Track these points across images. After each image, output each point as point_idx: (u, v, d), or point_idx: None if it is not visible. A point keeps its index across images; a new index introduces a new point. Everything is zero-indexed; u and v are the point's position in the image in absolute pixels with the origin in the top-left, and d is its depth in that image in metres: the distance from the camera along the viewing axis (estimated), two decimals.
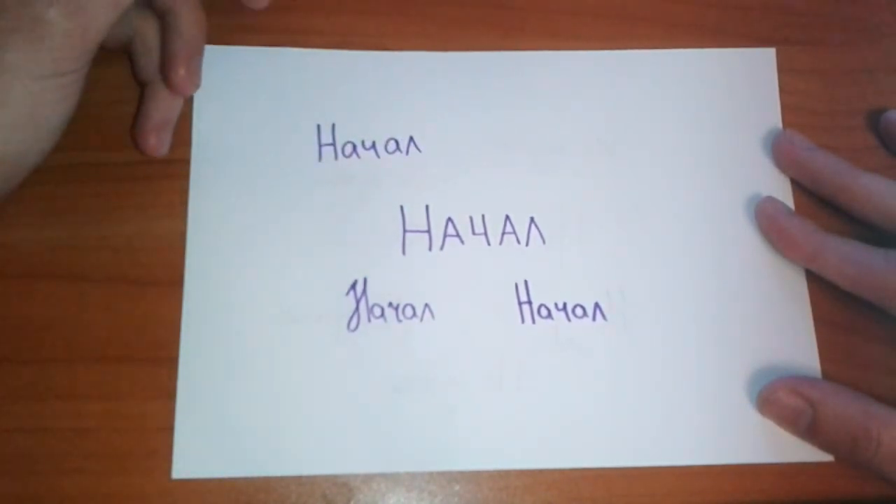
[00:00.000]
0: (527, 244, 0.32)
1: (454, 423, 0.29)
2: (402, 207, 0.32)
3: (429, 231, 0.32)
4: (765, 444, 0.29)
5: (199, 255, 0.31)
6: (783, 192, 0.32)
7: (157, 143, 0.31)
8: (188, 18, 0.30)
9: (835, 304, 0.31)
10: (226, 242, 0.31)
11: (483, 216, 0.32)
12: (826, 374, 0.30)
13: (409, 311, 0.31)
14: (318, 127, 0.32)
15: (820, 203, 0.32)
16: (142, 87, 0.32)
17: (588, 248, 0.32)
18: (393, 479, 0.29)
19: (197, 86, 0.31)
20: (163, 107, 0.31)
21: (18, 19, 0.25)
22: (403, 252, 0.31)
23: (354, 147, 0.32)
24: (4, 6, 0.25)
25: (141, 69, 0.31)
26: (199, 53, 0.31)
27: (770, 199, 0.32)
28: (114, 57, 0.32)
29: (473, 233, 0.32)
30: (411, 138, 0.32)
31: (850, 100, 0.34)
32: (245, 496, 0.28)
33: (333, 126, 0.32)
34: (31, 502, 0.28)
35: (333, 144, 0.32)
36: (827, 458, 0.29)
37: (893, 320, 0.28)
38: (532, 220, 0.32)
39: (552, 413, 0.29)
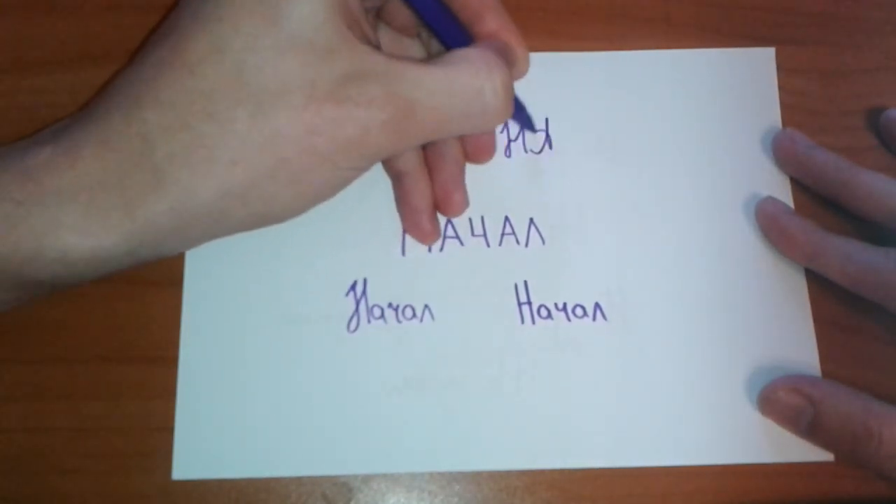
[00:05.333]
0: (526, 245, 0.32)
1: (454, 424, 0.29)
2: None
3: None
4: (765, 444, 0.29)
5: (198, 256, 0.31)
6: (783, 191, 0.32)
7: (434, 229, 0.31)
8: (456, 148, 0.31)
9: (835, 304, 0.31)
10: (226, 243, 0.30)
11: (482, 218, 0.32)
12: (826, 374, 0.30)
13: (408, 312, 0.31)
14: None
15: (820, 202, 0.32)
16: (396, 177, 0.31)
17: (588, 248, 0.32)
18: (393, 479, 0.29)
19: (468, 205, 0.31)
20: (427, 195, 0.31)
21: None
22: (403, 253, 0.31)
23: None
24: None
25: (397, 160, 0.31)
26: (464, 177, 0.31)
27: (770, 199, 0.32)
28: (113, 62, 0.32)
29: (473, 234, 0.32)
30: None
31: (850, 100, 0.34)
32: (245, 496, 0.28)
33: None
34: (31, 502, 0.28)
35: None
36: (827, 457, 0.29)
37: (894, 319, 0.28)
38: (531, 220, 0.32)
39: (552, 413, 0.29)
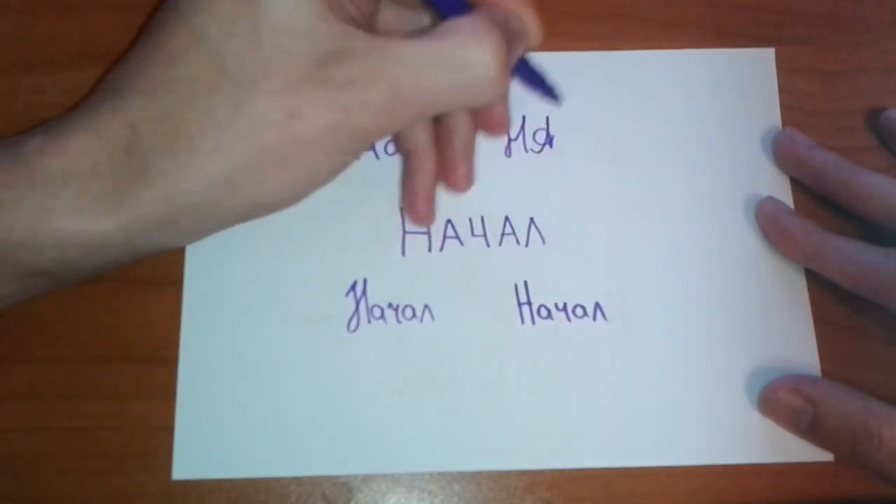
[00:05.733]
0: (526, 245, 0.32)
1: (454, 424, 0.29)
2: (401, 209, 0.32)
3: (428, 233, 0.32)
4: (765, 444, 0.29)
5: (198, 256, 0.31)
6: (783, 191, 0.32)
7: (427, 212, 0.31)
8: (465, 121, 0.30)
9: (835, 304, 0.31)
10: (226, 242, 0.30)
11: (482, 218, 0.32)
12: (826, 374, 0.30)
13: (408, 313, 0.31)
14: None
15: (820, 202, 0.32)
16: (405, 155, 0.31)
17: (588, 248, 0.32)
18: (393, 479, 0.29)
19: (473, 182, 0.31)
20: (430, 177, 0.30)
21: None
22: (403, 253, 0.31)
23: None
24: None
25: (406, 139, 0.30)
26: (473, 152, 0.31)
27: (770, 199, 0.32)
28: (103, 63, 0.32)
29: (473, 234, 0.32)
30: None
31: (850, 100, 0.34)
32: (245, 496, 0.28)
33: None
34: (30, 502, 0.28)
35: None
36: (827, 458, 0.29)
37: (894, 319, 0.28)
38: (532, 220, 0.32)
39: (552, 413, 0.29)
